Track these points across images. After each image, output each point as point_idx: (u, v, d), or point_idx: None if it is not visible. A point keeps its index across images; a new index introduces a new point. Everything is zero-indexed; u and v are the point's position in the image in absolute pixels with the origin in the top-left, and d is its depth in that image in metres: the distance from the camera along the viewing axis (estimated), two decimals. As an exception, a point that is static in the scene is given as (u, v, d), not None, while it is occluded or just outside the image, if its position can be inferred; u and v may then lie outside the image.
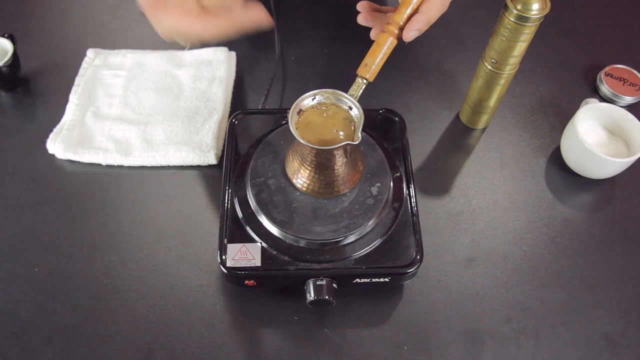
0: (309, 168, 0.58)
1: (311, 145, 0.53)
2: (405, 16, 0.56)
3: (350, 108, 0.57)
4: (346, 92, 0.57)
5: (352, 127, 0.56)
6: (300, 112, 0.56)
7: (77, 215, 0.67)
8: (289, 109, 0.55)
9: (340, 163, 0.57)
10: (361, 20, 0.60)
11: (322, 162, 0.56)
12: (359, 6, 0.60)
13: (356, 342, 0.59)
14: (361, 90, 0.57)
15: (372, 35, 0.59)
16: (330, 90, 0.57)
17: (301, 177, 0.59)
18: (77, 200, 0.68)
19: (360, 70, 0.57)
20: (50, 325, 0.59)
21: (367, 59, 0.57)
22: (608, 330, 0.61)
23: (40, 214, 0.67)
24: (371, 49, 0.57)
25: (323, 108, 0.57)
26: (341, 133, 0.56)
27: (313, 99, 0.57)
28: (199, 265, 0.64)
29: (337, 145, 0.53)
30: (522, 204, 0.70)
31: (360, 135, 0.53)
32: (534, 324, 0.61)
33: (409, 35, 0.55)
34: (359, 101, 0.57)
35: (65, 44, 0.84)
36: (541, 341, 0.60)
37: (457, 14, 0.90)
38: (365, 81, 0.57)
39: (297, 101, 0.56)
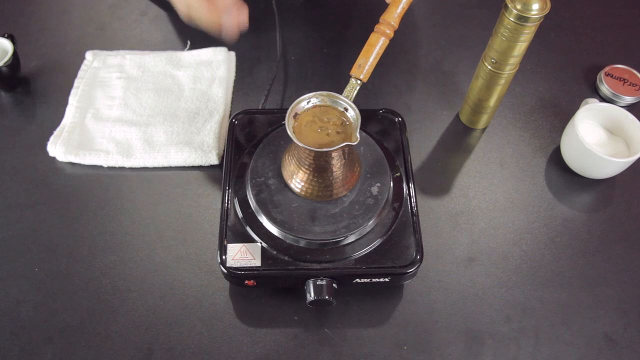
0: (307, 171, 0.57)
1: (311, 149, 0.53)
2: (395, 16, 0.58)
3: (346, 109, 0.56)
4: (341, 93, 0.57)
5: (349, 129, 0.55)
6: (296, 115, 0.56)
7: (77, 215, 0.67)
8: (289, 108, 0.55)
9: (338, 165, 0.57)
10: None
11: (320, 164, 0.56)
12: None
13: (356, 342, 0.59)
14: (355, 91, 0.57)
15: None
16: (325, 92, 0.56)
17: (299, 181, 0.58)
18: (77, 201, 0.68)
19: (354, 71, 0.57)
20: (50, 325, 0.59)
21: (361, 60, 0.57)
22: (608, 330, 0.61)
23: (41, 214, 0.67)
24: (364, 49, 0.58)
25: (318, 111, 0.56)
26: (338, 135, 0.55)
27: (308, 102, 0.56)
28: (199, 265, 0.64)
29: (336, 147, 0.52)
30: (522, 204, 0.70)
31: (358, 135, 0.53)
32: (534, 324, 0.61)
33: None
34: (354, 101, 0.56)
35: (65, 44, 0.84)
36: (541, 341, 0.60)
37: (457, 14, 0.91)
38: (359, 81, 0.57)
39: (292, 105, 0.55)
